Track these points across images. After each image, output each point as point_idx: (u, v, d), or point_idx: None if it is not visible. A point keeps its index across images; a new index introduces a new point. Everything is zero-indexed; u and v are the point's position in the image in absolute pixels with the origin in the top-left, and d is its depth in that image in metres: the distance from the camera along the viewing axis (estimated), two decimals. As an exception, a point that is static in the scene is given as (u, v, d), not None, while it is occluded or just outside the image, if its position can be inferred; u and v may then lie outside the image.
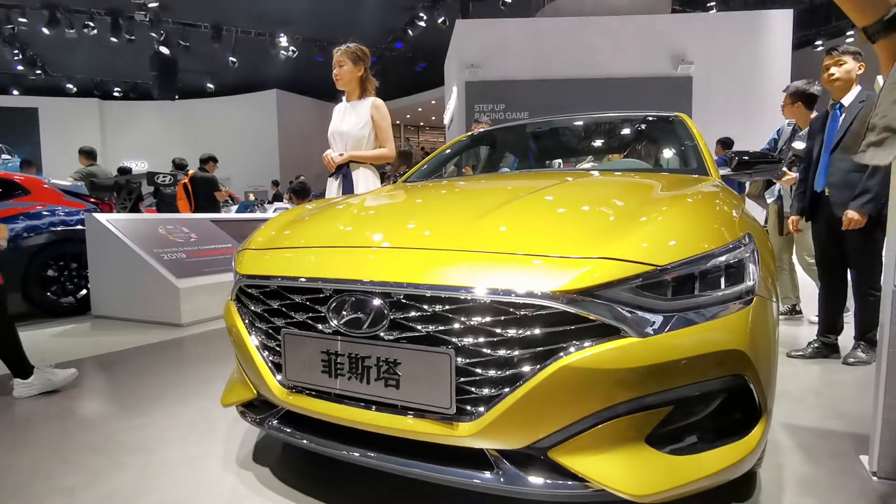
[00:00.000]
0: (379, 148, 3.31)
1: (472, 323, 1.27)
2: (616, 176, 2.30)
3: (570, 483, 1.26)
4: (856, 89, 3.13)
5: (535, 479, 1.28)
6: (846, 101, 3.13)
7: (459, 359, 1.27)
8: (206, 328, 4.42)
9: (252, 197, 15.08)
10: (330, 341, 1.43)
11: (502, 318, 1.25)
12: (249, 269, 1.66)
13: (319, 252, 1.59)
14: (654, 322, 1.24)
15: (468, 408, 1.28)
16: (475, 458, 1.34)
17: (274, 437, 2.10)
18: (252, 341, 1.62)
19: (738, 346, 1.29)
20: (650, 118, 3.24)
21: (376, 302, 1.36)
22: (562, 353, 1.21)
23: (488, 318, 1.26)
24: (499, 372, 1.25)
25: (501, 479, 1.29)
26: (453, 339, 1.28)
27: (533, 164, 3.53)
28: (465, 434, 1.27)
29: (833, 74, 3.15)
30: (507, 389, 1.24)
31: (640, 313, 1.24)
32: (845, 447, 2.07)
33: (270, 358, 1.59)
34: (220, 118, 22.32)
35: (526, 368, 1.23)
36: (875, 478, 1.81)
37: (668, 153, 3.11)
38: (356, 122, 3.25)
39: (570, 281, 1.22)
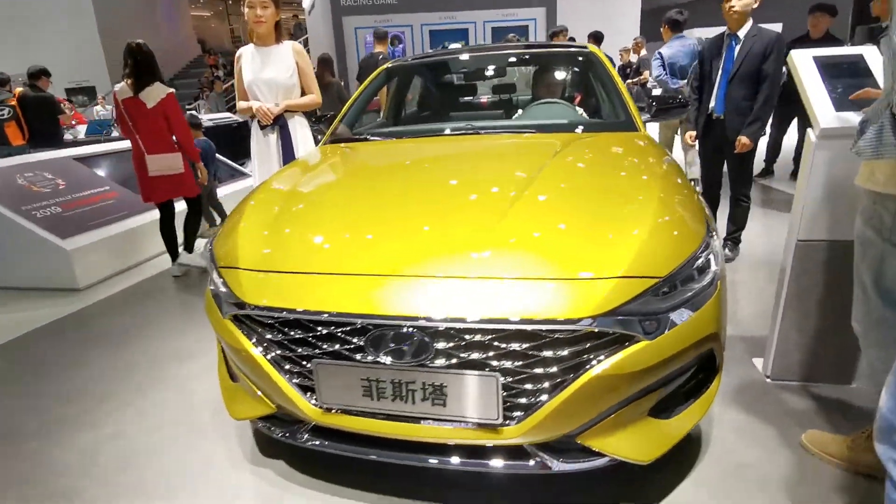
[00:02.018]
0: (307, 95, 3.28)
1: (513, 347, 1.43)
2: (587, 157, 2.29)
3: (587, 458, 1.56)
4: (749, 22, 3.46)
5: (564, 460, 1.56)
6: (741, 33, 3.46)
7: (503, 378, 1.44)
8: (108, 291, 4.06)
9: (101, 101, 11.84)
10: (370, 369, 1.50)
11: (539, 341, 1.43)
12: (258, 298, 1.61)
13: (339, 281, 1.58)
14: (657, 324, 1.49)
15: (511, 414, 1.48)
16: (508, 449, 1.57)
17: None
18: (271, 366, 1.62)
19: (714, 330, 1.60)
20: (565, 51, 3.52)
21: (417, 335, 1.45)
22: (590, 364, 1.43)
23: (527, 343, 1.43)
24: (537, 385, 1.45)
25: (536, 463, 1.55)
26: (496, 363, 1.44)
27: (457, 106, 3.60)
28: (510, 437, 1.48)
29: (733, 7, 3.40)
30: (544, 397, 1.45)
31: (647, 320, 1.47)
32: (739, 352, 2.61)
33: (296, 381, 1.62)
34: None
35: (560, 380, 1.44)
36: (769, 380, 2.36)
37: (589, 94, 3.38)
38: (282, 69, 3.15)
39: (598, 304, 1.41)
